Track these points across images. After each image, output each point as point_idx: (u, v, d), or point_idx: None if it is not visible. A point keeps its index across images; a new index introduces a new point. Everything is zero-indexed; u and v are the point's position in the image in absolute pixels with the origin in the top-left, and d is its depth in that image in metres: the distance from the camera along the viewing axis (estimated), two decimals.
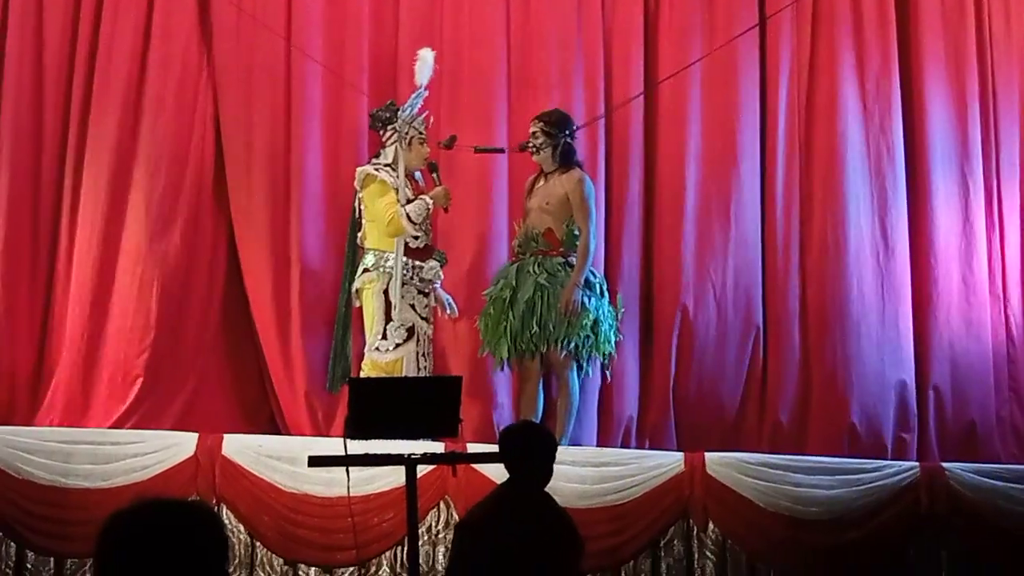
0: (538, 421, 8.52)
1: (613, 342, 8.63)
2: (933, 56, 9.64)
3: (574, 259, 8.49)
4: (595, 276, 8.66)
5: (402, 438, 6.71)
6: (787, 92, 9.59)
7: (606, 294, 8.68)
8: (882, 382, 9.32)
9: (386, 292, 8.37)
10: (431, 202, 8.49)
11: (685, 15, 9.60)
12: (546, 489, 6.00)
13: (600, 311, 8.54)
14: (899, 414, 9.27)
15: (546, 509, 5.92)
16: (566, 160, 8.63)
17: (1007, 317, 9.50)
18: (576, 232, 8.51)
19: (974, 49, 9.65)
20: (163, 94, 9.24)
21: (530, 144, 8.62)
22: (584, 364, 8.60)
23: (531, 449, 5.97)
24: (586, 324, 8.44)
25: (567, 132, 8.62)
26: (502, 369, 8.70)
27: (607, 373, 8.92)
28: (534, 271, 8.48)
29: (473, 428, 8.42)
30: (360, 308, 8.53)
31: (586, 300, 8.46)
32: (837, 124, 9.55)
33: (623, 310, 8.84)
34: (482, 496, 6.27)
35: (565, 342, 8.41)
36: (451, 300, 8.71)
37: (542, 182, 8.68)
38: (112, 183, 9.12)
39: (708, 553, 8.03)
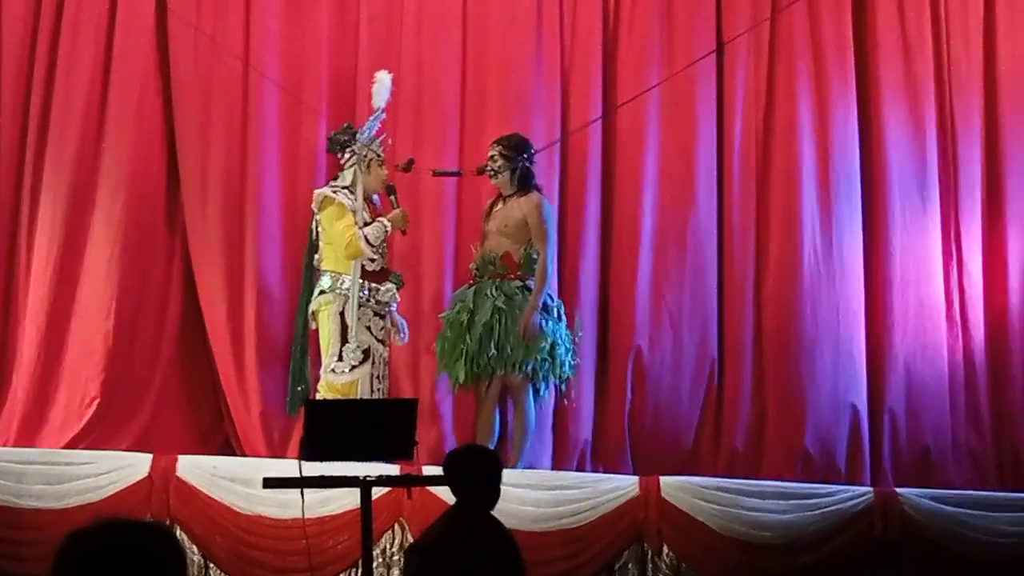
0: (494, 444, 8.54)
1: (570, 366, 8.65)
2: (891, 81, 9.67)
3: (532, 282, 8.51)
4: (552, 300, 8.68)
5: (357, 460, 6.71)
6: (744, 118, 9.61)
7: (563, 318, 8.70)
8: (836, 406, 9.33)
9: (342, 314, 8.37)
10: (389, 225, 8.49)
11: (644, 40, 9.62)
12: (498, 512, 5.99)
13: (558, 334, 8.56)
14: (853, 438, 9.28)
15: (493, 531, 5.92)
16: (524, 184, 8.65)
17: (965, 342, 9.52)
18: (534, 255, 8.52)
19: (932, 75, 9.68)
20: (122, 116, 9.25)
21: (488, 167, 8.63)
22: (540, 387, 8.61)
23: (476, 472, 5.97)
24: (544, 347, 8.46)
25: (525, 156, 8.65)
26: (456, 391, 8.71)
27: (564, 399, 8.93)
28: (492, 294, 8.49)
29: (428, 450, 8.43)
30: (316, 330, 8.52)
31: (544, 324, 8.48)
32: (794, 149, 9.58)
33: (580, 334, 8.86)
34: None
35: (522, 365, 8.42)
36: (405, 325, 8.69)
37: (500, 205, 8.70)
38: (69, 205, 9.12)
39: None
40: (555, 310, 8.65)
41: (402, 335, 8.67)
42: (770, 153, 9.67)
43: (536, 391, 8.61)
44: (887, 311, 9.52)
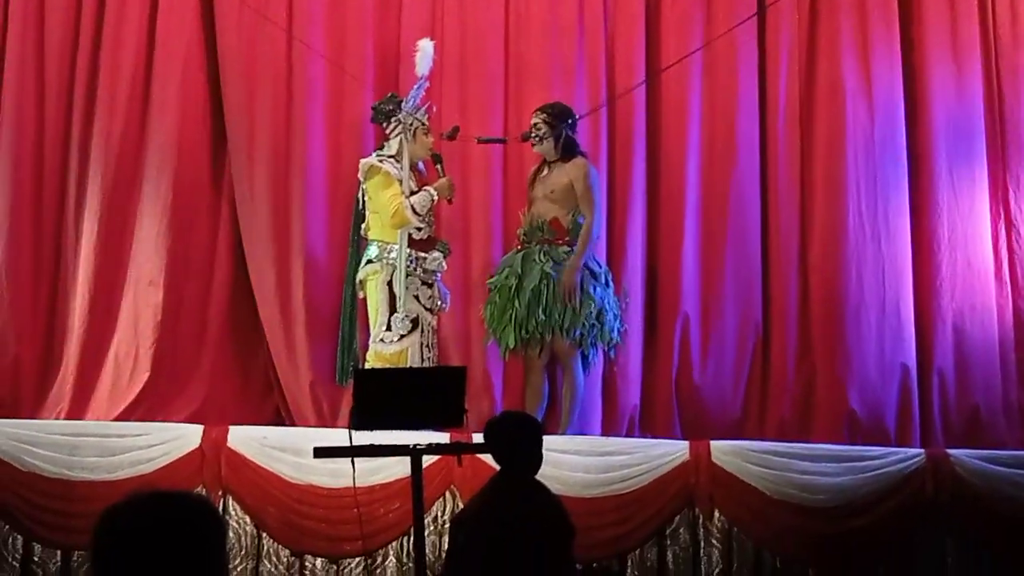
0: (543, 410, 8.55)
1: (618, 331, 8.65)
2: (937, 40, 9.60)
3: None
4: (600, 266, 8.68)
5: (407, 429, 6.72)
6: (787, 79, 9.58)
7: (611, 284, 8.70)
8: (884, 368, 9.30)
9: (390, 283, 8.38)
10: (435, 194, 8.49)
11: (685, 3, 9.58)
12: (547, 478, 6.00)
13: (606, 300, 8.58)
14: (902, 400, 9.25)
15: (537, 496, 5.93)
16: (569, 150, 8.66)
17: (1015, 302, 9.47)
18: (581, 220, 8.52)
19: (977, 33, 9.62)
20: (167, 92, 9.26)
21: (532, 134, 8.63)
22: (588, 353, 8.62)
23: (515, 438, 5.99)
24: (592, 313, 8.46)
25: (569, 123, 8.64)
26: (506, 358, 8.72)
27: (613, 365, 8.93)
28: (540, 259, 8.50)
29: (478, 418, 8.43)
30: (364, 299, 8.53)
31: (591, 289, 8.49)
32: (838, 110, 9.53)
33: (627, 300, 8.86)
34: None
35: (570, 331, 8.43)
36: (448, 294, 8.71)
37: (546, 171, 8.71)
38: (117, 177, 9.17)
39: (714, 541, 8.01)
40: (603, 276, 8.66)
41: (443, 303, 8.66)
42: (813, 115, 9.64)
43: (584, 357, 8.62)
44: (935, 272, 9.46)
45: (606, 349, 8.70)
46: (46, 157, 9.26)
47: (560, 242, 8.55)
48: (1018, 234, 9.53)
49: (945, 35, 9.64)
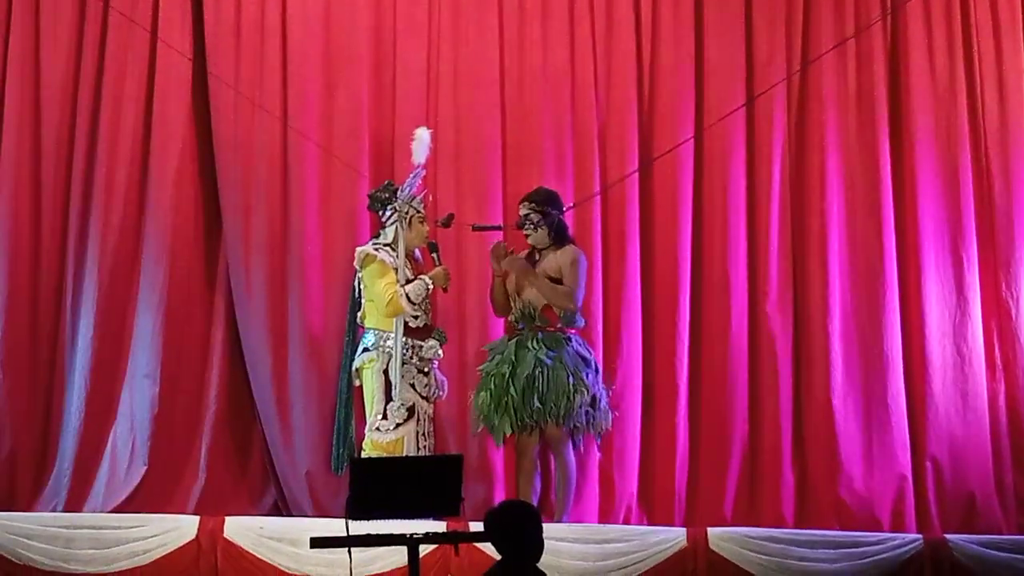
0: (537, 496, 8.54)
1: (610, 418, 8.66)
2: (924, 126, 9.68)
3: (573, 334, 8.53)
4: (590, 353, 8.70)
5: (404, 518, 6.69)
6: (776, 170, 9.63)
7: (599, 371, 8.71)
8: (877, 456, 9.34)
9: (386, 372, 8.39)
10: (430, 283, 8.52)
11: (677, 94, 9.65)
12: (545, 566, 5.98)
13: (597, 387, 8.57)
14: (896, 487, 9.26)
15: None
16: (560, 237, 8.68)
17: (1007, 387, 9.49)
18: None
19: (966, 119, 9.69)
20: (163, 181, 9.33)
21: (527, 223, 8.65)
22: (578, 440, 8.62)
23: (516, 527, 5.97)
24: (586, 400, 8.46)
25: (559, 209, 8.67)
26: (500, 445, 8.71)
27: (598, 450, 8.95)
28: (534, 346, 8.50)
29: (477, 506, 8.42)
30: (361, 387, 8.54)
31: (584, 376, 8.49)
32: (827, 198, 9.61)
33: (614, 386, 8.89)
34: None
35: (565, 419, 8.42)
36: (444, 382, 8.71)
37: (536, 257, 8.72)
38: (114, 270, 9.24)
39: None
40: (593, 363, 8.67)
41: (440, 391, 8.67)
42: (804, 203, 9.70)
43: (575, 443, 8.62)
44: (926, 359, 9.48)
45: (596, 437, 8.70)
46: (42, 249, 9.30)
47: (553, 329, 8.56)
48: (1008, 319, 9.55)
49: (932, 122, 9.70)
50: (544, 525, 6.05)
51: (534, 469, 8.65)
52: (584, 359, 8.58)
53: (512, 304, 8.75)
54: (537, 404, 8.40)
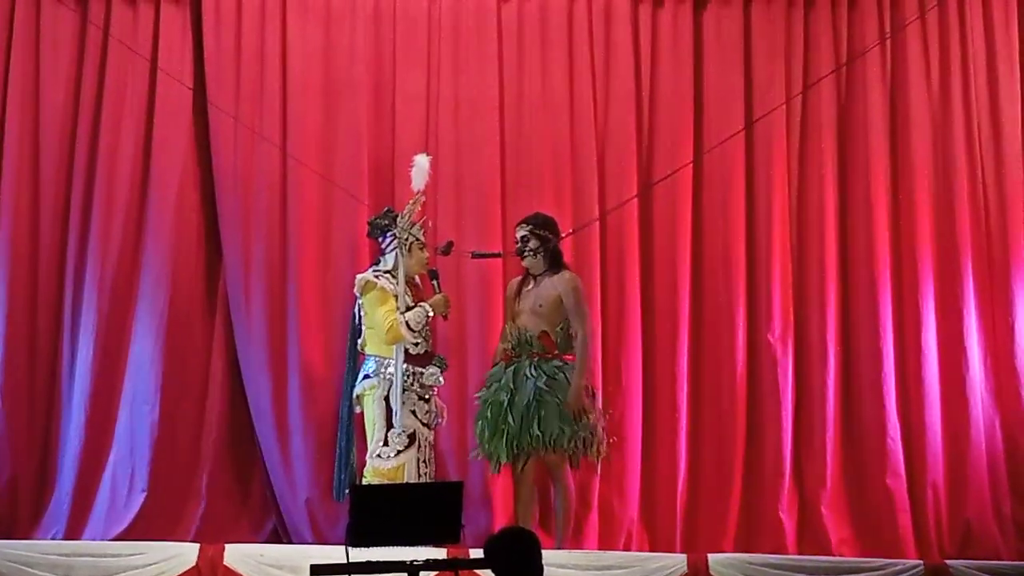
0: (535, 522, 8.53)
1: (606, 443, 8.65)
2: (922, 157, 9.71)
3: (570, 359, 8.52)
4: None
5: (404, 545, 6.68)
6: (776, 195, 9.65)
7: (595, 395, 8.70)
8: (876, 483, 9.37)
9: (387, 398, 8.38)
10: (430, 310, 8.52)
11: (676, 120, 9.69)
12: None
13: (595, 412, 8.56)
14: (896, 513, 9.26)
15: None
16: (555, 263, 8.68)
17: (1004, 414, 9.49)
18: (571, 333, 8.53)
19: (963, 150, 9.71)
20: (162, 207, 9.37)
21: (525, 248, 8.65)
22: (576, 465, 8.61)
23: (515, 554, 5.97)
24: (587, 425, 8.46)
25: (556, 235, 8.68)
26: (497, 472, 8.71)
27: (597, 475, 8.95)
28: (532, 374, 8.49)
29: (476, 532, 8.42)
30: (361, 414, 8.54)
31: (586, 402, 8.48)
32: (826, 226, 9.64)
33: (611, 411, 8.88)
34: None
35: (565, 444, 8.41)
36: (444, 408, 8.71)
37: (531, 284, 8.70)
38: (113, 296, 9.26)
39: None
40: (590, 388, 8.65)
41: (440, 418, 8.67)
42: (803, 230, 9.72)
43: (572, 468, 8.60)
44: (923, 387, 9.49)
45: (595, 462, 8.68)
46: (41, 275, 9.32)
47: (550, 356, 8.55)
48: (1005, 346, 9.56)
49: (930, 149, 9.73)
50: (544, 551, 6.05)
51: (533, 496, 8.64)
52: (584, 385, 8.57)
53: (508, 331, 8.75)
54: (536, 432, 8.39)
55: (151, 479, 9.00)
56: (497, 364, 8.72)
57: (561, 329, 8.56)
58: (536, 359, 8.54)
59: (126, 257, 9.31)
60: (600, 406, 8.72)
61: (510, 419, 8.45)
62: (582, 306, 8.59)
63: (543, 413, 8.40)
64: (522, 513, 8.58)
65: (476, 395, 8.75)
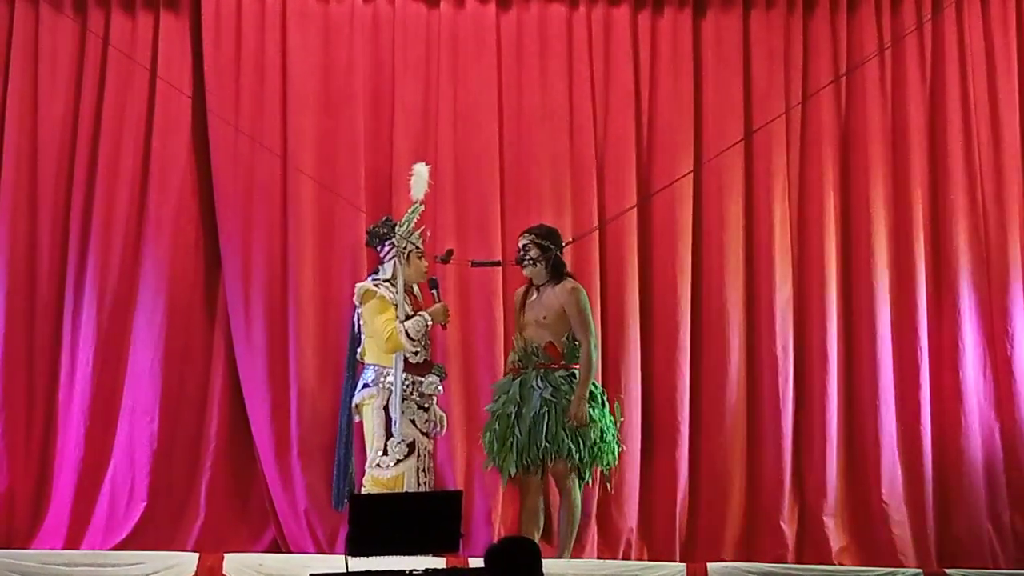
0: (540, 533, 8.51)
1: (616, 452, 8.64)
2: (919, 167, 9.73)
3: (576, 370, 8.51)
4: (596, 387, 8.66)
5: (403, 554, 6.69)
6: (776, 204, 9.66)
7: (606, 404, 8.69)
8: (874, 492, 9.37)
9: (386, 407, 8.37)
10: (429, 319, 8.50)
11: (675, 130, 9.69)
12: None
13: (604, 421, 8.55)
14: (895, 521, 9.26)
15: None
16: (557, 272, 8.67)
17: (1002, 422, 9.50)
18: (577, 343, 8.53)
19: (960, 160, 9.72)
20: (161, 220, 9.36)
21: (526, 257, 8.64)
22: (585, 475, 8.59)
23: (516, 564, 5.96)
24: (594, 435, 8.44)
25: (558, 246, 8.67)
26: (506, 484, 8.70)
27: (608, 485, 8.92)
28: (538, 385, 8.47)
29: (475, 542, 8.42)
30: (361, 423, 8.54)
31: (591, 411, 8.46)
32: (825, 231, 9.64)
33: (622, 419, 8.86)
34: None
35: (572, 455, 8.40)
36: (444, 418, 8.69)
37: (534, 295, 8.69)
38: (112, 307, 9.25)
39: None
40: (599, 396, 8.64)
41: (439, 427, 8.66)
42: (804, 236, 9.71)
43: (581, 478, 8.59)
44: (920, 394, 9.50)
45: (603, 470, 8.67)
46: (40, 285, 9.31)
47: (556, 366, 8.54)
48: (1003, 354, 9.57)
49: (926, 158, 9.75)
50: (544, 561, 6.05)
51: (538, 507, 8.62)
52: (591, 394, 8.55)
53: (514, 343, 8.74)
54: (544, 443, 8.37)
55: (151, 489, 9.00)
56: (506, 376, 8.72)
57: (567, 339, 8.55)
58: (542, 370, 8.52)
59: (125, 267, 9.30)
60: (613, 413, 8.71)
61: (518, 431, 8.44)
62: (585, 315, 8.58)
63: (549, 424, 8.39)
64: (527, 524, 8.55)
65: (486, 407, 8.74)
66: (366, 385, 8.46)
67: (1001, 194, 9.71)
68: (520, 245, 8.68)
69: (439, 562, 7.38)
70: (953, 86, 9.78)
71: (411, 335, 8.38)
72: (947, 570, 8.39)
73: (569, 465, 8.43)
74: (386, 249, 8.57)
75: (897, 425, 9.46)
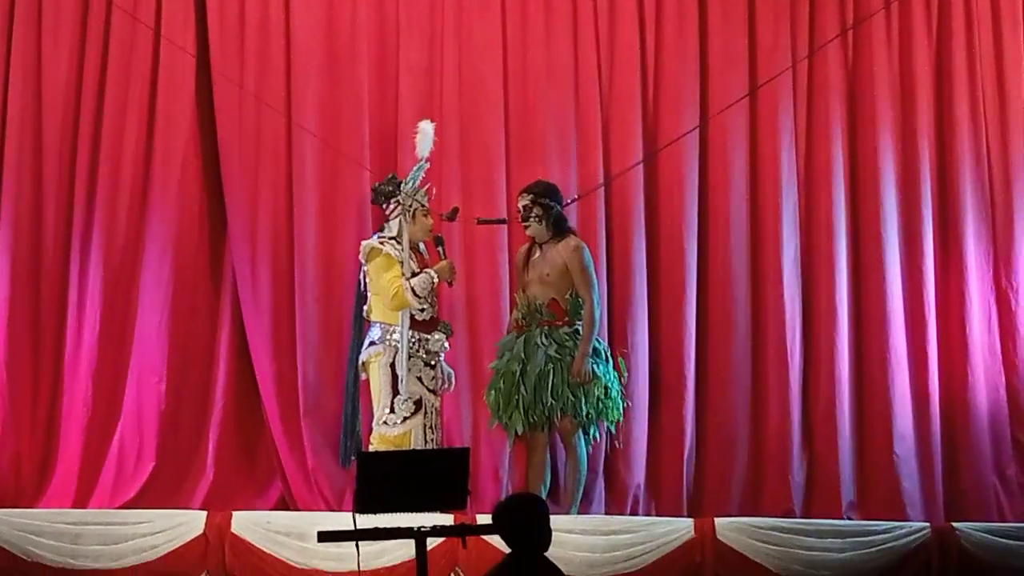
0: (547, 489, 8.53)
1: (621, 408, 8.65)
2: (927, 117, 9.71)
3: (581, 327, 8.50)
4: (600, 343, 8.67)
5: (411, 511, 6.69)
6: (783, 159, 9.63)
7: (610, 360, 8.70)
8: (883, 446, 9.37)
9: (392, 365, 8.38)
10: (435, 276, 8.49)
11: (680, 86, 9.65)
12: (553, 557, 5.98)
13: (608, 377, 8.56)
14: (901, 476, 9.27)
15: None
16: (559, 229, 8.65)
17: (1008, 377, 9.50)
18: (581, 300, 8.52)
19: (967, 113, 9.69)
20: (166, 180, 9.36)
21: (529, 215, 8.62)
22: (591, 431, 8.60)
23: (524, 520, 5.97)
24: (598, 391, 8.45)
25: (558, 201, 8.65)
26: (513, 442, 8.71)
27: (616, 442, 8.93)
28: (543, 343, 8.48)
29: (482, 498, 8.44)
30: (367, 381, 8.54)
31: (595, 367, 8.47)
32: (831, 192, 9.61)
33: (626, 376, 8.86)
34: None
35: (577, 411, 8.41)
36: (452, 374, 8.70)
37: (537, 253, 8.69)
38: (118, 270, 9.26)
39: None
40: (603, 352, 8.65)
41: (448, 383, 8.67)
42: (811, 194, 9.68)
43: (586, 434, 8.61)
44: (928, 348, 9.50)
45: (609, 426, 8.68)
46: (47, 246, 9.30)
47: (560, 323, 8.54)
48: (1008, 310, 9.57)
49: (932, 112, 9.73)
50: (551, 516, 6.06)
51: (545, 464, 8.64)
52: (595, 350, 8.56)
53: (518, 300, 8.74)
54: (550, 400, 8.39)
55: (159, 449, 9.03)
56: (509, 333, 8.72)
57: (570, 296, 8.56)
58: (546, 327, 8.53)
59: (131, 228, 9.30)
60: (618, 369, 8.71)
61: (523, 389, 8.45)
62: (587, 272, 8.58)
63: (555, 381, 8.40)
64: (534, 480, 8.58)
65: (489, 366, 8.74)
66: (372, 343, 8.46)
67: (1006, 147, 9.68)
68: (520, 206, 8.67)
69: (447, 519, 7.40)
70: (959, 38, 9.75)
71: (417, 292, 8.37)
72: (955, 524, 8.37)
73: (575, 422, 8.44)
74: (391, 207, 8.55)
75: (909, 379, 9.45)
